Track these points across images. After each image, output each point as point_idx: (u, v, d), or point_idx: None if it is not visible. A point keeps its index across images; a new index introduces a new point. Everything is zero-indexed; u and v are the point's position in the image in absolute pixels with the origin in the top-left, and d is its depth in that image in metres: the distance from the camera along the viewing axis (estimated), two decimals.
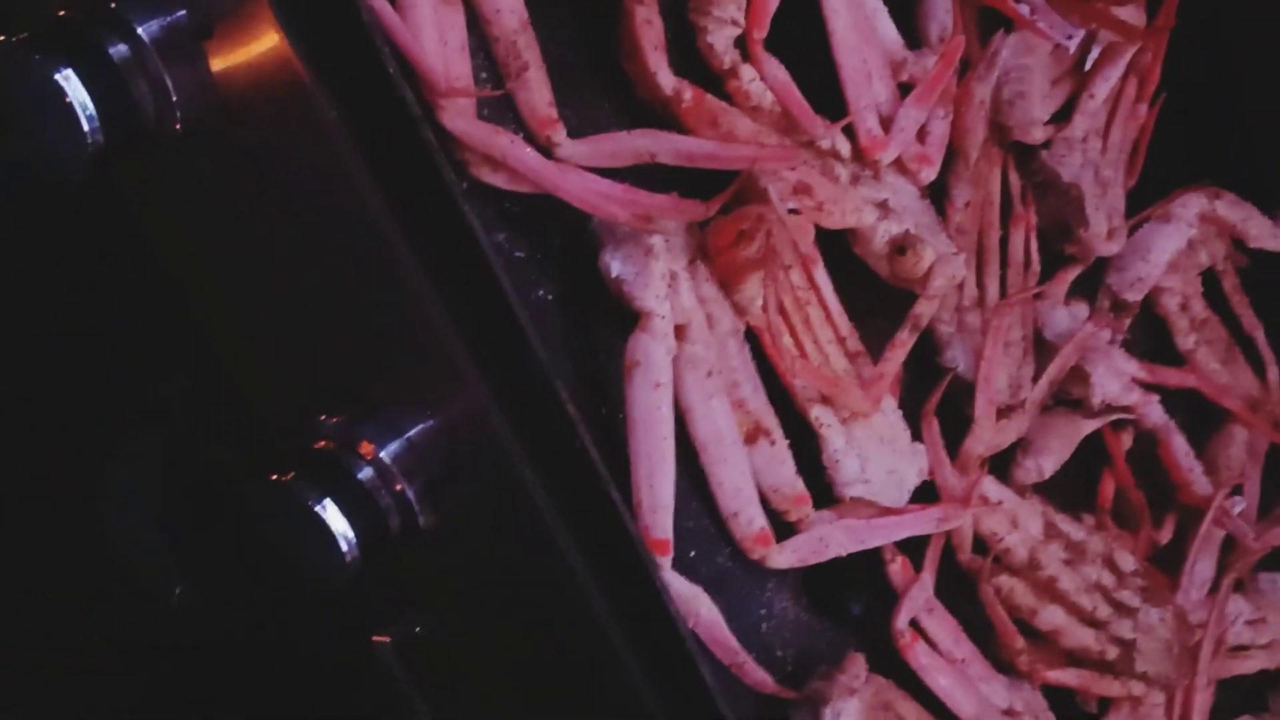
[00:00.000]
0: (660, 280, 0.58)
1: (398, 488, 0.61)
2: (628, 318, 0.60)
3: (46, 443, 0.95)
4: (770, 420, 0.64)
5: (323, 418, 0.64)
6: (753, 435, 0.63)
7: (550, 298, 0.60)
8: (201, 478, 0.96)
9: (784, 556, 0.64)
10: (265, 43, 0.53)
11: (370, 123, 0.54)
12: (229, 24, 0.53)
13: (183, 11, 0.53)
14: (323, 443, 0.63)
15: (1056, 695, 0.76)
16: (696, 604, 0.62)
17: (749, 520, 0.63)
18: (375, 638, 0.69)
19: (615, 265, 0.58)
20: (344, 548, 0.61)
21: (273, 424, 0.69)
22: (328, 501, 0.60)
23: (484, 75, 0.59)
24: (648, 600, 0.60)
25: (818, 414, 0.65)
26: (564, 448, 0.59)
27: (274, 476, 0.61)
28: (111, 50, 0.52)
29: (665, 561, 0.60)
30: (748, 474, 0.63)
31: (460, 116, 0.54)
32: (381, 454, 0.61)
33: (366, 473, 0.61)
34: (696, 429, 0.61)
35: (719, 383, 0.61)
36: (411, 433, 0.62)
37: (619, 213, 0.56)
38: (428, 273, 0.57)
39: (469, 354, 0.59)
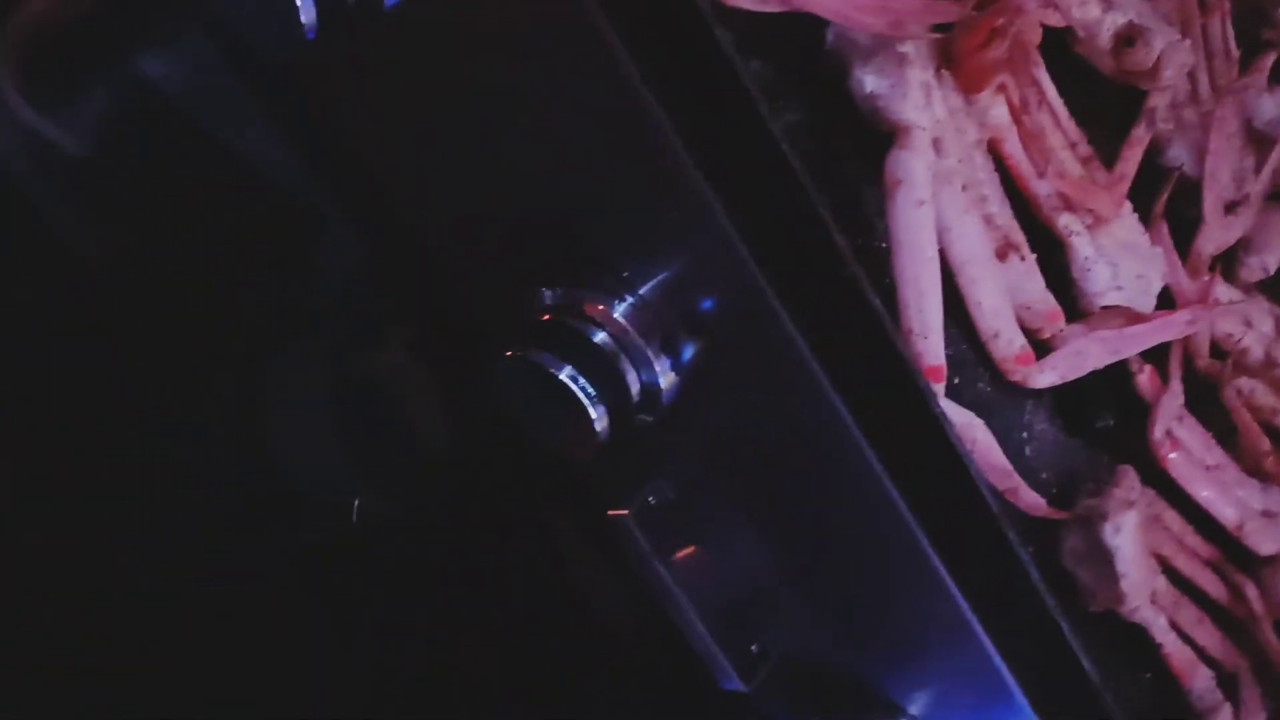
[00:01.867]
0: (918, 90, 0.54)
1: (639, 349, 0.59)
2: (876, 140, 0.57)
3: (208, 353, 0.93)
4: (1018, 235, 0.61)
5: (544, 289, 0.62)
6: (1003, 251, 0.61)
7: (798, 122, 0.57)
8: (373, 380, 0.94)
9: (1045, 375, 0.62)
10: None
11: None
12: None
13: None
14: (548, 315, 0.60)
15: None
16: (973, 430, 0.59)
17: (1009, 340, 0.61)
18: (612, 513, 0.66)
19: (869, 80, 0.54)
20: (593, 415, 0.58)
21: (489, 306, 0.66)
22: (570, 369, 0.58)
23: None
24: (927, 432, 0.58)
25: (1065, 222, 0.62)
26: (828, 280, 0.56)
27: (510, 352, 0.59)
28: None
29: (940, 389, 0.58)
30: (1004, 293, 0.60)
31: None
32: (616, 314, 0.59)
33: (602, 336, 0.58)
34: (954, 248, 0.58)
35: (972, 197, 0.58)
36: (646, 288, 0.60)
37: (873, 21, 0.53)
38: (664, 101, 0.54)
39: (714, 191, 0.56)
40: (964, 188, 0.58)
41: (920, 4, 0.53)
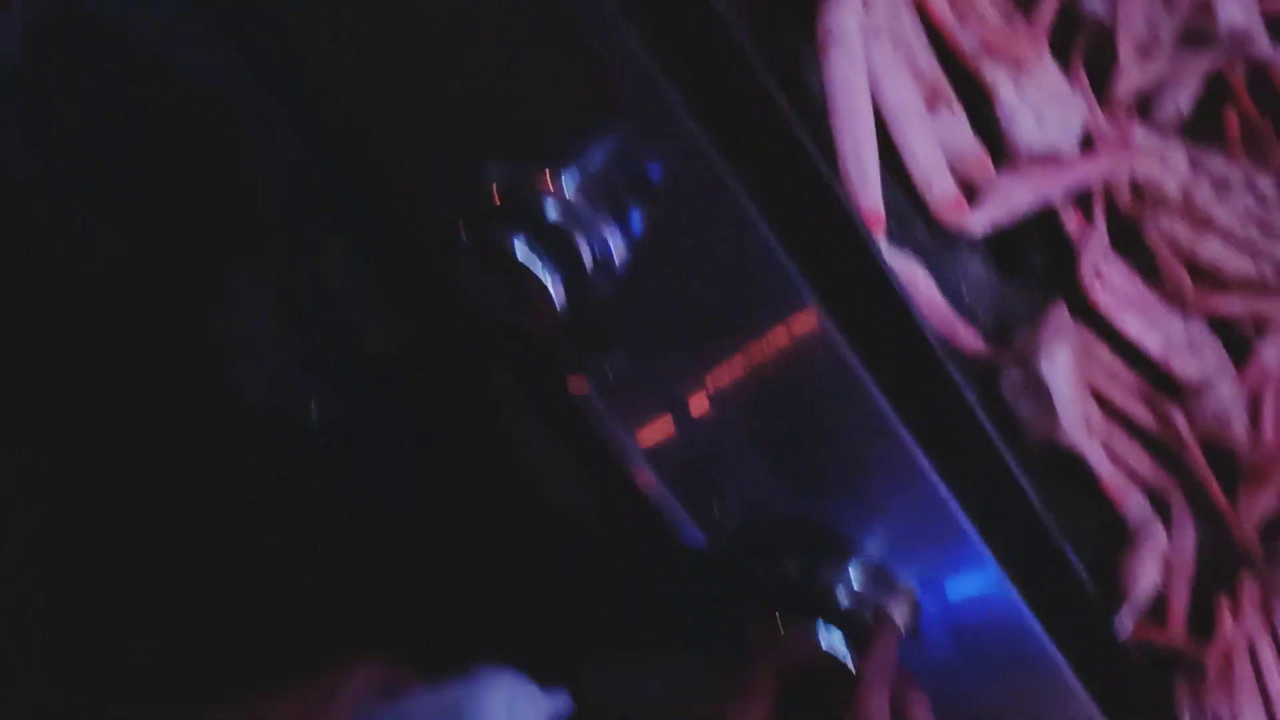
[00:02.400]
0: None
1: (590, 221, 0.60)
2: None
3: (153, 267, 0.93)
4: (945, 86, 0.63)
5: (493, 168, 0.63)
6: (932, 102, 0.63)
7: None
8: (321, 282, 0.94)
9: (978, 220, 0.65)
10: None
11: None
12: None
13: None
14: (499, 193, 0.61)
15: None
16: (913, 275, 0.62)
17: (943, 188, 0.63)
18: (572, 384, 0.68)
19: None
20: (551, 287, 0.60)
21: (439, 190, 0.67)
22: (525, 244, 0.59)
23: None
24: (870, 277, 0.60)
25: (990, 70, 0.64)
26: (769, 136, 0.58)
27: (464, 232, 0.60)
28: None
29: (880, 232, 0.60)
30: (935, 143, 0.63)
31: None
32: (565, 188, 0.60)
33: (553, 210, 0.60)
34: (886, 100, 0.60)
35: (900, 51, 0.60)
36: (593, 160, 0.61)
37: None
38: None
39: (654, 56, 0.57)
40: (893, 42, 0.60)
41: None
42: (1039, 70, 0.66)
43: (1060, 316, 0.66)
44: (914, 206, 0.64)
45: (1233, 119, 0.82)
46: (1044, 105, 0.66)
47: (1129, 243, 0.73)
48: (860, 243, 0.59)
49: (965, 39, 0.63)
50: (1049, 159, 0.66)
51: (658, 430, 0.69)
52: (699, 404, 0.69)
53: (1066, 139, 0.67)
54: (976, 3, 0.64)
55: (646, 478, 0.70)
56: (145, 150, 0.92)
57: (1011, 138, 0.66)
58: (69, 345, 0.93)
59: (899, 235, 0.64)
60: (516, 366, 0.78)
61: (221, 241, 0.94)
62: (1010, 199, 0.65)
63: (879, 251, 0.59)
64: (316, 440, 0.96)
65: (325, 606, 0.99)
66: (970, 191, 0.65)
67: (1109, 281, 0.71)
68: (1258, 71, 0.83)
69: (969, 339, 0.65)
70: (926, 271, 0.63)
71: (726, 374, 0.67)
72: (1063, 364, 0.65)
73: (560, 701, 0.70)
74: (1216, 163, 0.77)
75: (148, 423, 0.94)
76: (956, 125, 0.64)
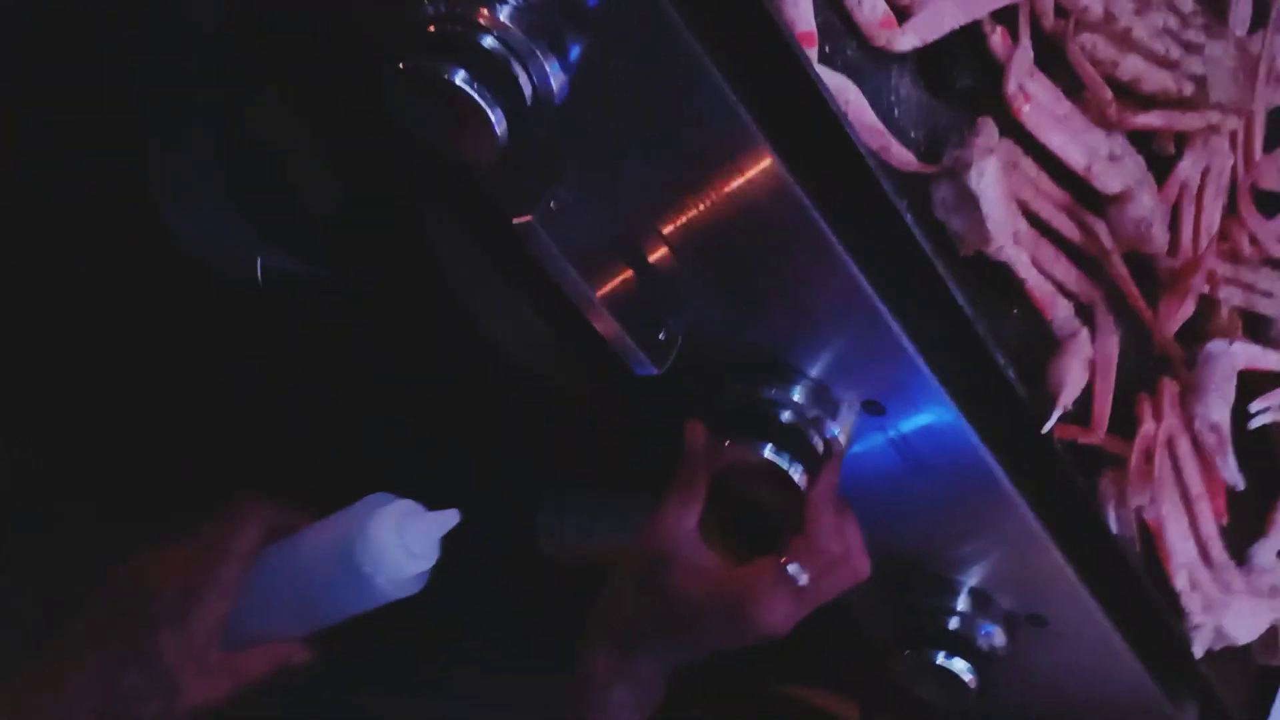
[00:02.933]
0: None
1: (527, 50, 0.61)
2: None
3: (89, 132, 0.93)
4: None
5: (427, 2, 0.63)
6: None
7: None
8: (256, 138, 0.94)
9: (906, 38, 0.66)
10: None
11: None
12: None
13: None
14: (434, 24, 0.62)
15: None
16: (845, 92, 0.64)
17: (873, 6, 0.65)
18: (516, 219, 0.70)
19: None
20: (491, 117, 0.61)
21: (371, 23, 0.68)
22: (464, 74, 0.60)
23: None
24: (804, 95, 0.62)
25: None
26: None
27: (401, 64, 0.61)
28: None
29: (813, 54, 0.62)
30: None
31: None
32: (501, 17, 0.61)
33: (490, 40, 0.60)
34: None
35: None
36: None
37: None
38: None
39: None
40: None
41: None
42: None
43: (989, 131, 0.68)
44: (846, 26, 0.66)
45: None
46: None
47: (1053, 60, 0.75)
48: (794, 63, 0.61)
49: None
50: None
51: (602, 263, 0.71)
52: (642, 234, 0.71)
53: None
54: None
55: (594, 310, 0.72)
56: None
57: None
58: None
59: (832, 54, 0.66)
60: (456, 202, 0.79)
61: (153, 100, 0.94)
62: (938, 17, 0.67)
63: (813, 72, 0.61)
64: (255, 290, 0.97)
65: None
66: (900, 11, 0.67)
67: (1034, 98, 0.73)
68: None
69: (901, 155, 0.67)
70: (858, 89, 0.65)
71: (668, 204, 0.69)
72: (991, 178, 0.67)
73: (449, 518, 0.72)
74: None
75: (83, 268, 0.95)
76: None
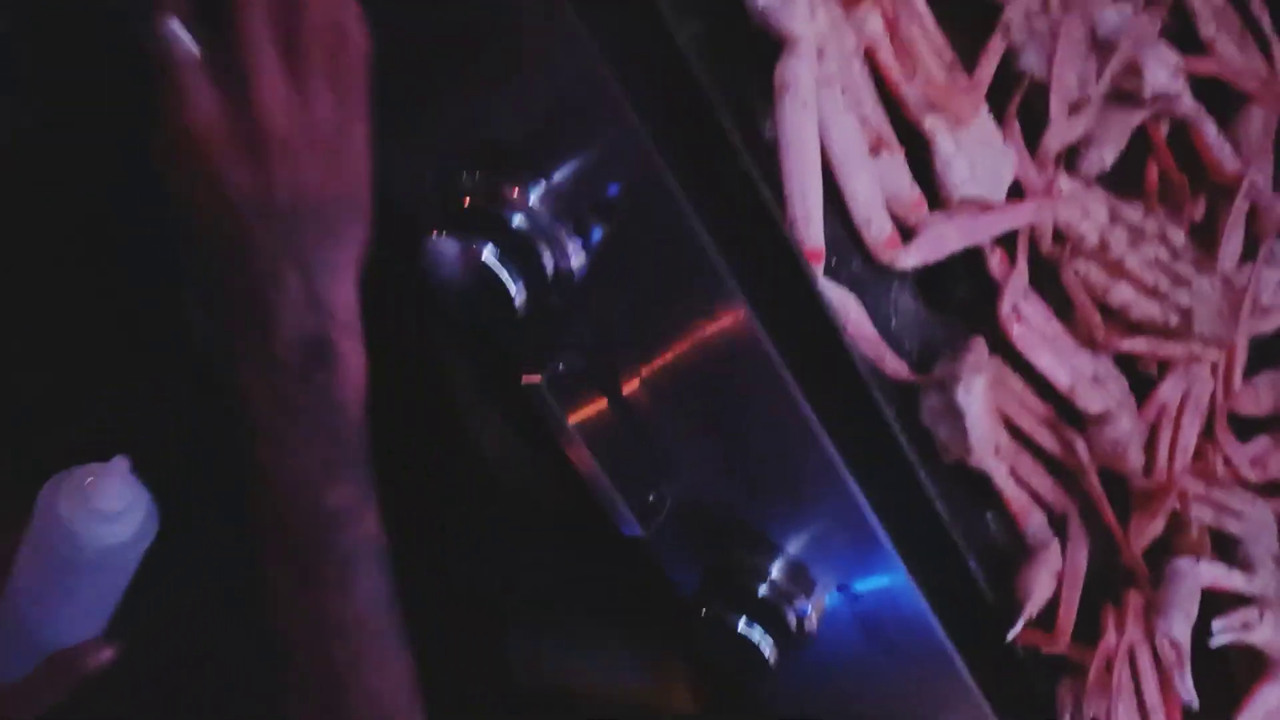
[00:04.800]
0: (804, 4, 0.61)
1: (553, 231, 0.65)
2: (769, 47, 0.64)
3: None
4: (889, 132, 0.69)
5: (464, 176, 0.68)
6: (876, 147, 0.69)
7: (701, 32, 0.64)
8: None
9: (910, 257, 0.71)
10: None
11: None
12: None
13: None
14: (469, 200, 0.66)
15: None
16: (847, 305, 0.68)
17: (880, 227, 0.69)
18: (525, 379, 0.73)
19: None
20: (513, 292, 0.65)
21: (412, 196, 0.72)
22: (492, 249, 0.64)
23: None
24: (808, 307, 0.66)
25: (930, 122, 0.70)
26: (724, 173, 0.64)
27: (435, 233, 0.65)
28: None
29: (820, 269, 0.66)
30: (875, 184, 0.69)
31: None
32: (531, 199, 0.65)
33: (519, 219, 0.65)
34: (833, 144, 0.66)
35: (850, 99, 0.66)
36: (559, 175, 0.66)
37: None
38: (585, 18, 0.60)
39: (625, 92, 0.62)
40: (843, 90, 0.66)
41: None
42: (976, 123, 0.72)
43: (979, 350, 0.72)
44: (853, 241, 0.70)
45: (1153, 171, 0.88)
46: (977, 156, 0.72)
47: (1047, 282, 0.79)
48: (800, 275, 0.65)
49: (910, 92, 0.69)
50: (979, 206, 0.72)
51: (603, 426, 0.75)
52: (642, 405, 0.75)
53: (996, 188, 0.74)
54: (922, 57, 0.70)
55: (591, 471, 0.75)
56: None
57: (946, 184, 0.72)
58: None
59: (838, 266, 0.70)
60: (471, 358, 0.83)
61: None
62: (941, 241, 0.71)
63: (817, 285, 0.65)
64: None
65: None
66: (906, 230, 0.71)
67: (1026, 319, 0.77)
68: (1179, 128, 0.90)
69: (894, 365, 0.71)
70: (859, 302, 0.69)
71: (670, 382, 0.72)
72: (978, 394, 0.71)
73: (119, 464, 0.66)
74: (1134, 213, 0.83)
75: None
76: (896, 168, 0.69)
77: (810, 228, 0.65)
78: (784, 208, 0.64)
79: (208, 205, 0.56)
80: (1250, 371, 0.95)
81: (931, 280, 0.75)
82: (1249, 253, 0.94)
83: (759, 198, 0.63)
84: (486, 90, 0.65)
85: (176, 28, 0.55)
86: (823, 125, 0.65)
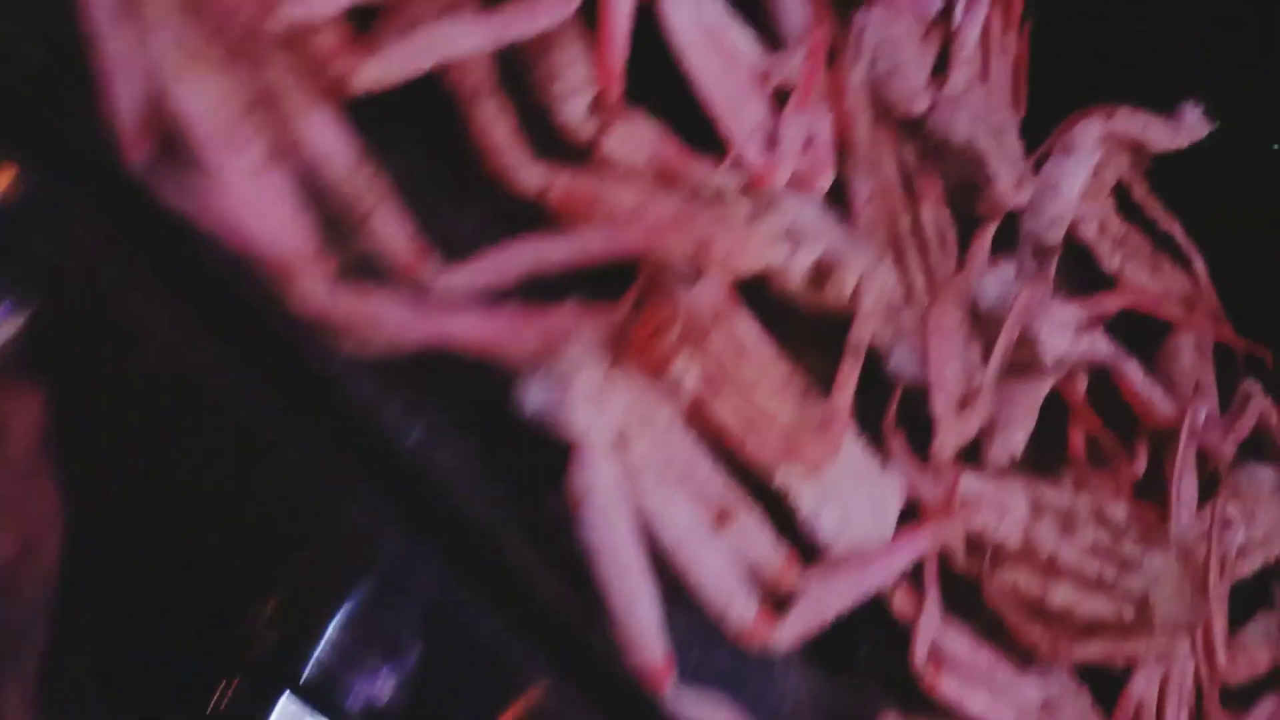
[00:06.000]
0: (586, 400, 0.52)
1: (350, 672, 0.57)
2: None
3: None
4: (733, 498, 0.59)
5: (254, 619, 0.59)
6: (720, 519, 0.58)
7: (476, 448, 0.54)
8: None
9: (787, 634, 0.59)
10: None
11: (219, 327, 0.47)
12: None
13: None
14: (260, 644, 0.58)
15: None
16: (716, 718, 0.57)
17: (742, 610, 0.58)
18: None
19: (533, 397, 0.52)
20: None
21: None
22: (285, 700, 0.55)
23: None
24: None
25: (782, 477, 0.60)
26: (524, 603, 0.54)
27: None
28: None
29: (670, 685, 0.55)
30: (728, 561, 0.58)
31: (314, 292, 0.47)
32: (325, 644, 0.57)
33: (315, 666, 0.56)
34: (665, 532, 0.56)
35: (676, 475, 0.56)
36: (349, 618, 0.57)
37: (522, 344, 0.50)
38: (334, 466, 0.51)
39: (413, 536, 0.53)
40: (666, 467, 0.56)
41: (571, 314, 0.51)
42: (840, 462, 0.62)
43: None
44: (713, 634, 0.59)
45: (1076, 436, 0.78)
46: (849, 497, 0.62)
47: (968, 605, 0.68)
48: (645, 705, 0.54)
49: (755, 448, 0.59)
50: (859, 557, 0.61)
51: None
52: None
53: (881, 525, 0.63)
54: (760, 403, 0.60)
55: None
56: None
57: (817, 541, 0.61)
58: None
59: (700, 663, 0.59)
60: None
61: None
62: (822, 605, 0.60)
63: (666, 708, 0.54)
64: None
65: None
66: (780, 599, 0.61)
67: (948, 661, 0.65)
68: (1099, 379, 0.80)
69: None
70: (734, 702, 0.58)
71: None
72: None
73: None
74: (1061, 496, 0.72)
75: None
76: (751, 535, 0.59)
77: (647, 642, 0.54)
78: (613, 630, 0.54)
79: None
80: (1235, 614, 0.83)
81: (825, 643, 0.64)
82: (1207, 489, 0.83)
83: (579, 638, 0.53)
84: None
85: None
86: (647, 516, 0.55)
